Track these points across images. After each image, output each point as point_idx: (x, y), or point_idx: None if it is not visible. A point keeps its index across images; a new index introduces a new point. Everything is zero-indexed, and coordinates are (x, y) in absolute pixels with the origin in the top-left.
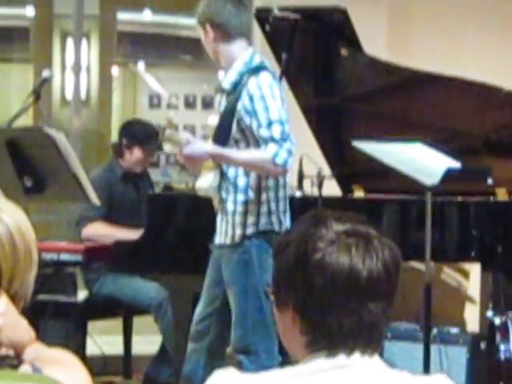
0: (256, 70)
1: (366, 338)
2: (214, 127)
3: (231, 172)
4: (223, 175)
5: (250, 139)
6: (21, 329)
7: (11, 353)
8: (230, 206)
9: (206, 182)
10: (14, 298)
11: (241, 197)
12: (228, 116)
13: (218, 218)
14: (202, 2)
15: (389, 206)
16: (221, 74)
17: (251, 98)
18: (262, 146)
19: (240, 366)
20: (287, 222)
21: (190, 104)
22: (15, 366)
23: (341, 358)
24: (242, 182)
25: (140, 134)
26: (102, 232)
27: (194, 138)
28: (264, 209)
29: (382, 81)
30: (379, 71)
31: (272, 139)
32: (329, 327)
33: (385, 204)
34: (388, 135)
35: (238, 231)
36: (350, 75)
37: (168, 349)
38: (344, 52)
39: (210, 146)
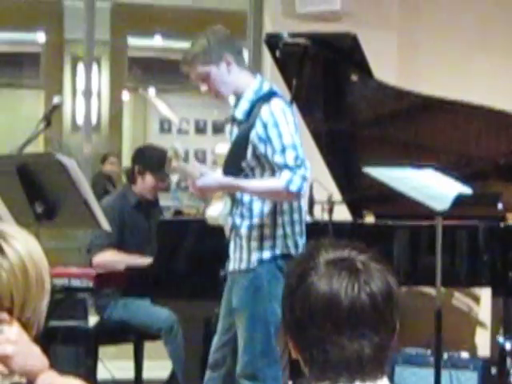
0: (267, 98)
1: (357, 368)
2: (221, 155)
3: (246, 197)
4: (236, 201)
5: (266, 166)
6: (33, 356)
7: (24, 381)
8: (244, 232)
9: (216, 211)
10: (26, 325)
11: (256, 221)
12: (240, 145)
13: (231, 245)
14: (204, 38)
15: (399, 231)
16: (231, 98)
17: (265, 126)
18: (276, 172)
19: None
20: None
21: (200, 129)
22: None
23: None
24: (257, 206)
25: (152, 160)
26: (112, 259)
27: (206, 169)
28: (280, 232)
29: (392, 106)
30: (389, 96)
31: (286, 166)
32: (317, 360)
33: (395, 229)
34: (398, 160)
35: (255, 256)
36: (360, 100)
37: (178, 374)
38: (354, 77)
39: (223, 178)
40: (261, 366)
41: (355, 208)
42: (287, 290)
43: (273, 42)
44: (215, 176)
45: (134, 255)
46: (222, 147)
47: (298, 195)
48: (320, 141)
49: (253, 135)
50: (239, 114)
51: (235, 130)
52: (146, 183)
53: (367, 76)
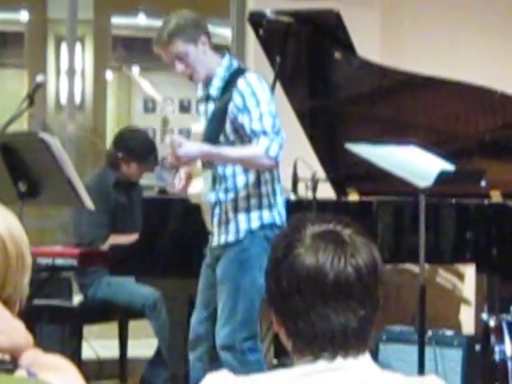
0: (241, 72)
1: (342, 341)
2: (198, 134)
3: (228, 171)
4: (218, 177)
5: (245, 138)
6: (16, 333)
7: (7, 358)
8: (231, 205)
9: (196, 188)
10: (7, 302)
11: (242, 193)
12: (217, 119)
13: (215, 221)
14: (183, 17)
15: (383, 208)
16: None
17: (242, 96)
18: (253, 139)
19: (225, 363)
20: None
21: (184, 108)
22: (11, 371)
23: (321, 363)
24: (241, 179)
25: (138, 149)
26: (119, 243)
27: (184, 139)
28: (265, 202)
29: (375, 83)
30: (373, 74)
31: (263, 132)
32: (302, 332)
33: (379, 206)
34: (382, 137)
35: (243, 226)
36: (343, 78)
37: (163, 350)
38: (337, 55)
39: (203, 146)
40: (240, 338)
41: (339, 186)
42: (273, 262)
43: (256, 19)
44: (195, 144)
45: (131, 235)
46: (198, 127)
47: (275, 162)
48: (303, 118)
49: (231, 108)
50: (213, 91)
51: (210, 108)
52: (131, 170)
53: (350, 53)
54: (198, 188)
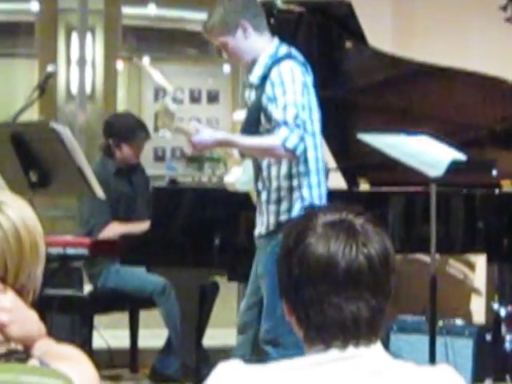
0: (279, 60)
1: (353, 330)
2: (239, 122)
3: (264, 162)
4: (258, 167)
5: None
6: (30, 323)
7: (20, 347)
8: (264, 196)
9: (233, 176)
10: (21, 292)
11: (274, 184)
12: (254, 109)
13: (257, 211)
14: (221, 7)
15: (394, 198)
16: (226, 67)
17: (272, 85)
18: (274, 129)
19: (268, 358)
20: None
21: (195, 98)
22: (23, 360)
23: (333, 352)
24: (274, 170)
25: (123, 130)
26: (119, 231)
27: (201, 126)
28: (296, 195)
29: (386, 73)
30: (384, 63)
31: (284, 122)
32: (313, 321)
33: (390, 196)
34: (393, 127)
35: (272, 219)
36: (354, 68)
37: (173, 338)
38: (349, 44)
39: (218, 133)
40: (282, 331)
41: (350, 175)
42: (284, 250)
43: (267, 9)
44: (211, 132)
45: (134, 223)
46: (240, 114)
47: (294, 154)
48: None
49: (264, 98)
50: (254, 78)
51: (252, 95)
52: (124, 153)
53: (362, 43)
54: (235, 176)
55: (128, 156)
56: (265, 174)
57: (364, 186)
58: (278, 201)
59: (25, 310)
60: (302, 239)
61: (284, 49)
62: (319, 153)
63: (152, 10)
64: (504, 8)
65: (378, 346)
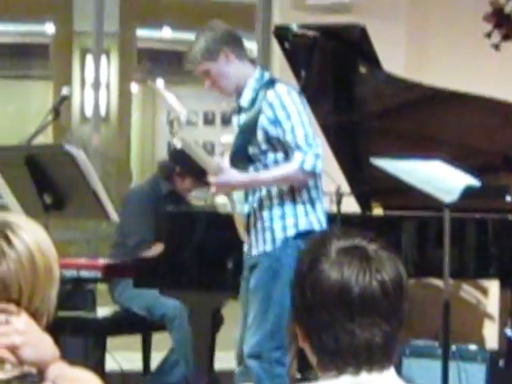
0: (271, 83)
1: (366, 356)
2: (229, 145)
3: None
4: (251, 189)
5: (278, 147)
6: (44, 346)
7: (34, 370)
8: (266, 214)
9: (224, 198)
10: (35, 315)
11: (276, 201)
12: (247, 131)
13: (252, 232)
14: (203, 36)
15: (407, 222)
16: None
17: (272, 107)
18: (290, 154)
19: (250, 372)
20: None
21: (209, 121)
22: (37, 383)
23: (346, 378)
24: (274, 188)
25: (197, 167)
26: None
27: (225, 166)
28: (301, 210)
29: (400, 98)
30: (398, 88)
31: (297, 146)
32: (326, 346)
33: (403, 221)
34: (406, 152)
35: (279, 235)
36: (368, 92)
37: (182, 362)
38: (362, 69)
39: (240, 175)
40: (268, 347)
41: (364, 200)
42: (298, 275)
43: (282, 33)
44: (235, 173)
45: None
46: (229, 137)
47: (313, 173)
48: (328, 132)
49: (262, 119)
50: (244, 102)
51: (242, 119)
52: (184, 185)
53: (376, 68)
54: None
55: (185, 189)
56: (264, 192)
57: (377, 211)
58: (283, 216)
59: (39, 333)
60: (316, 265)
61: (268, 74)
62: None
63: (167, 33)
64: (488, 35)
65: (391, 372)
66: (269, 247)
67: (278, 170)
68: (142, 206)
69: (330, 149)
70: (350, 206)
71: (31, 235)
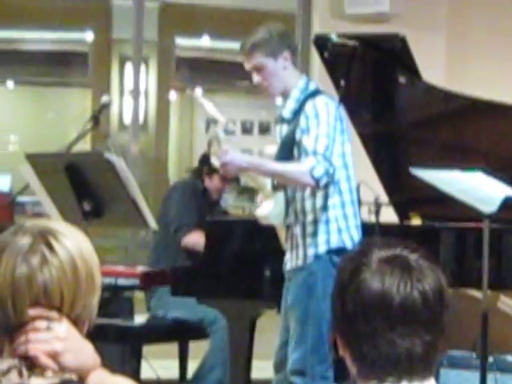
0: (313, 95)
1: (407, 366)
2: (271, 156)
3: (298, 195)
4: (289, 200)
5: None
6: (84, 354)
7: (74, 377)
8: (298, 229)
9: (265, 209)
10: (76, 322)
11: (309, 217)
12: (287, 145)
13: (288, 244)
14: (266, 31)
15: (446, 233)
16: (278, 99)
17: (307, 118)
18: (302, 155)
19: None
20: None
21: (247, 130)
22: None
23: None
24: (309, 203)
25: None
26: (200, 241)
27: (231, 148)
28: (333, 227)
29: (440, 108)
30: (437, 98)
31: (314, 152)
32: (367, 356)
33: (442, 231)
34: (445, 162)
35: (310, 252)
36: (408, 102)
37: (217, 367)
38: (402, 79)
39: (247, 156)
40: (311, 362)
41: (402, 210)
42: (339, 285)
43: (321, 42)
44: (239, 154)
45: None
46: (271, 148)
47: (317, 183)
48: (367, 142)
49: (298, 132)
50: (286, 113)
51: (284, 130)
52: (213, 184)
53: (415, 78)
54: (267, 210)
55: (214, 188)
56: (299, 206)
57: (416, 220)
58: (315, 233)
59: (80, 340)
60: (357, 275)
61: (313, 84)
62: (352, 184)
63: (206, 41)
64: None
65: (431, 382)
66: (300, 262)
67: (288, 165)
68: (183, 196)
69: (369, 158)
70: (389, 215)
71: (73, 242)
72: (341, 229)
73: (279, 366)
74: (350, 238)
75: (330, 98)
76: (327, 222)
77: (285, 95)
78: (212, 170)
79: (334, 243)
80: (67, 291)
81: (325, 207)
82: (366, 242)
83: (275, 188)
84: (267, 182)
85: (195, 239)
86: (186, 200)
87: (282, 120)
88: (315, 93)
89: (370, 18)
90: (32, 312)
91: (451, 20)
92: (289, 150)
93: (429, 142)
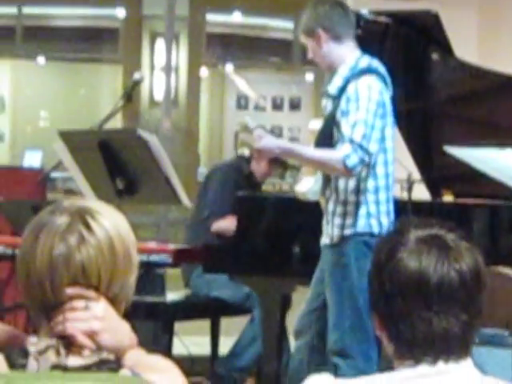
0: (359, 74)
1: (443, 346)
2: (314, 131)
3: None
4: (327, 177)
5: None
6: (121, 333)
7: (112, 357)
8: (330, 207)
9: (305, 186)
10: (113, 301)
11: (341, 198)
12: (329, 121)
13: (324, 219)
14: (308, 10)
15: (479, 210)
16: (309, 75)
17: (348, 100)
18: (339, 142)
19: (336, 369)
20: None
21: (277, 106)
22: (115, 370)
23: (424, 367)
24: (341, 183)
25: None
26: (231, 226)
27: (264, 133)
28: (363, 211)
29: (472, 85)
30: (470, 75)
31: (350, 140)
32: (403, 335)
33: (474, 209)
34: (477, 139)
35: (336, 232)
36: (440, 79)
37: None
38: (435, 56)
39: (281, 141)
40: (350, 342)
41: (434, 187)
42: (376, 264)
43: (354, 19)
44: (273, 139)
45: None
46: (315, 123)
47: (351, 173)
48: (399, 119)
49: (338, 112)
50: (332, 89)
51: (329, 106)
52: (260, 168)
53: (448, 55)
54: (306, 186)
55: (262, 171)
56: (333, 185)
57: (448, 198)
58: (344, 214)
59: (117, 320)
60: (394, 254)
61: (365, 61)
62: (390, 169)
63: (237, 17)
64: None
65: (468, 363)
66: (327, 240)
67: (322, 152)
68: (223, 181)
69: (401, 136)
70: (421, 192)
71: (111, 221)
72: (370, 213)
73: (299, 332)
74: (379, 223)
75: (378, 76)
76: (357, 205)
77: (331, 70)
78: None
79: (361, 227)
80: (105, 270)
81: (357, 190)
82: (402, 222)
83: None
84: None
85: (226, 224)
86: (224, 185)
87: (327, 95)
88: (363, 72)
89: None
90: (70, 291)
91: None
92: (330, 128)
93: (461, 119)
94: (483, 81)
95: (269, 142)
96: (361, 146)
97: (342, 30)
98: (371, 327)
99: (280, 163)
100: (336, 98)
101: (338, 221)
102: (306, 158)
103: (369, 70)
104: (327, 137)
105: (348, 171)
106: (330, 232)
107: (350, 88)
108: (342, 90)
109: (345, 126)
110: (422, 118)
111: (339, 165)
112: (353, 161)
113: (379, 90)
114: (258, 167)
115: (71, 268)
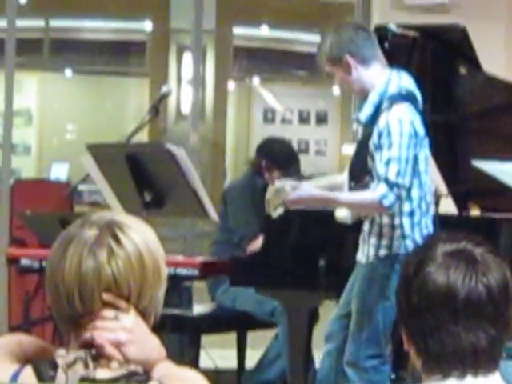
0: (390, 103)
1: (472, 360)
2: (346, 156)
3: None
4: None
5: None
6: (150, 346)
7: (140, 369)
8: (367, 226)
9: (344, 211)
10: (143, 314)
11: (377, 219)
12: (362, 150)
13: (360, 238)
14: (329, 37)
15: (506, 224)
16: (336, 89)
17: (379, 135)
18: (375, 181)
19: (347, 380)
20: None
21: (304, 119)
22: (143, 382)
23: (452, 382)
24: None
25: (281, 158)
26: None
27: (298, 183)
28: (398, 233)
29: (499, 99)
30: (497, 89)
31: (385, 179)
32: (431, 350)
33: (501, 223)
34: (505, 154)
35: (372, 252)
36: (467, 93)
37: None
38: (463, 70)
39: (315, 190)
40: (363, 356)
41: (461, 201)
42: (404, 278)
43: (381, 33)
44: (307, 188)
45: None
46: (347, 148)
47: (388, 211)
48: (426, 133)
49: (370, 143)
50: (363, 117)
51: (360, 132)
52: (273, 178)
53: (476, 69)
54: (346, 211)
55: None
56: None
57: (475, 212)
58: (379, 235)
59: (145, 333)
60: (422, 268)
61: (394, 85)
62: (424, 191)
63: (264, 31)
64: None
65: (496, 377)
66: (363, 259)
67: (358, 194)
68: (242, 201)
69: (428, 149)
70: (448, 206)
71: (140, 235)
72: (405, 235)
73: (330, 336)
74: (415, 244)
75: (410, 100)
76: (392, 227)
77: (363, 93)
78: (270, 164)
79: (396, 249)
80: (134, 283)
81: (392, 213)
82: (430, 236)
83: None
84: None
85: (258, 245)
86: (244, 206)
87: (358, 122)
88: (393, 100)
89: (430, 9)
90: (106, 297)
91: (511, 9)
92: (363, 157)
93: (489, 133)
94: (511, 95)
95: (302, 192)
96: (397, 185)
97: (368, 53)
98: (385, 344)
99: (293, 172)
100: (367, 126)
101: (373, 241)
102: (344, 204)
103: (398, 98)
104: (361, 166)
105: (386, 210)
106: (365, 251)
107: (382, 121)
108: (373, 117)
109: (379, 165)
110: (449, 131)
111: (377, 205)
112: (390, 200)
113: (410, 120)
114: (271, 178)
115: (102, 280)
